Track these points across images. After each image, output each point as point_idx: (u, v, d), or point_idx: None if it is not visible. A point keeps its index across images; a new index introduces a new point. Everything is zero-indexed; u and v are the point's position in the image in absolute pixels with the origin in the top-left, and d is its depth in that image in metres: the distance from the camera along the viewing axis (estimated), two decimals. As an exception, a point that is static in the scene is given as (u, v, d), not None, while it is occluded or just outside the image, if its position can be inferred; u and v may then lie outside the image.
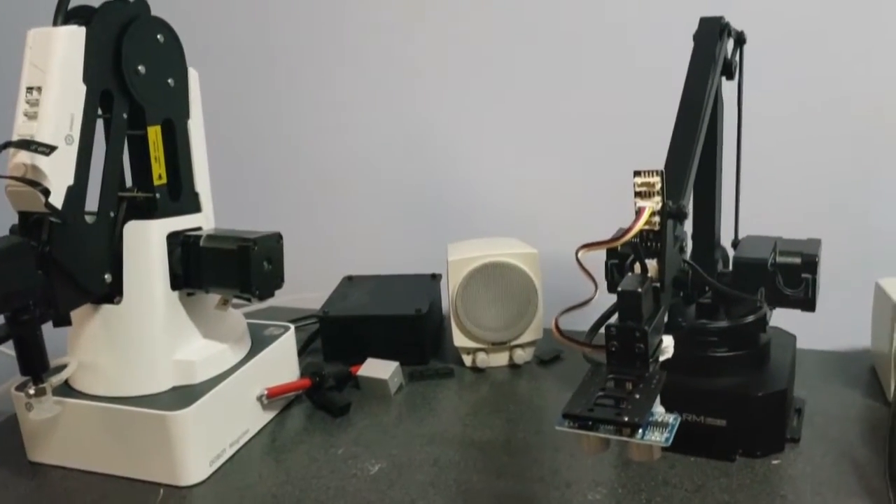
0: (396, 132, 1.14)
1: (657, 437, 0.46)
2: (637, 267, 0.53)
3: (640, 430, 0.46)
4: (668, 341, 0.52)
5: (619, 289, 0.50)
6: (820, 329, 0.81)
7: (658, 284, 0.53)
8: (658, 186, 0.52)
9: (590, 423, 0.47)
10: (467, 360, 0.92)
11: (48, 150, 0.62)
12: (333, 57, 1.15)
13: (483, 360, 0.90)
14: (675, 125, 0.63)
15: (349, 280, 1.07)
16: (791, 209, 0.96)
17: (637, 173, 0.52)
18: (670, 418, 0.48)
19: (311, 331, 1.03)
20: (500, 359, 0.92)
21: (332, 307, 0.97)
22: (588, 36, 1.01)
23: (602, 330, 0.61)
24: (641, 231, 0.53)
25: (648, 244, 0.54)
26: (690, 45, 0.69)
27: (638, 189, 0.52)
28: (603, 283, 0.79)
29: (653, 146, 0.98)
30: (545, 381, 0.89)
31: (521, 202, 1.09)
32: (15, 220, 0.67)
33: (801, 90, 0.94)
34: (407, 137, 1.14)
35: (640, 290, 0.49)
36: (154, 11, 0.73)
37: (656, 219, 0.53)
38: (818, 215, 0.95)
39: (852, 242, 0.94)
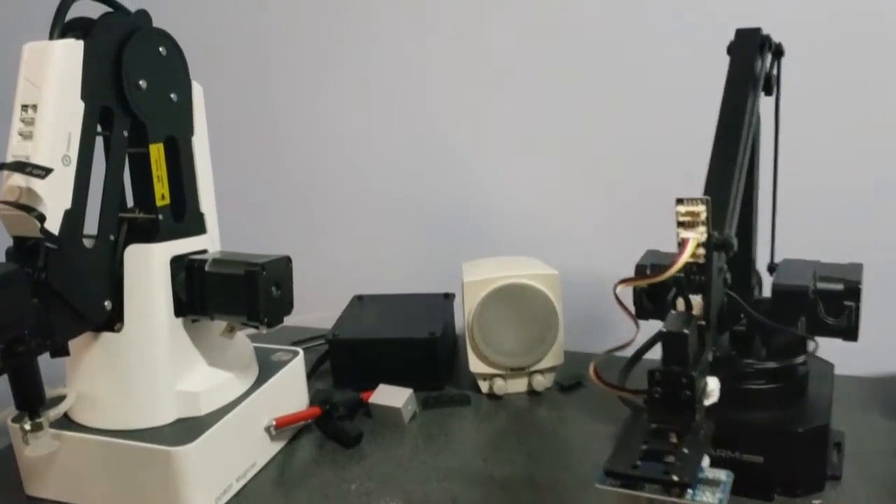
0: (407, 146, 1.10)
1: (709, 499, 0.42)
2: (680, 302, 0.49)
3: (691, 491, 0.42)
4: (713, 384, 0.48)
5: (664, 329, 0.46)
6: (857, 354, 0.77)
7: (703, 322, 0.49)
8: (703, 216, 0.48)
9: (634, 481, 0.43)
10: (483, 386, 0.88)
11: (44, 172, 0.58)
12: (342, 71, 1.11)
13: (501, 386, 0.86)
14: (713, 147, 0.59)
15: (359, 300, 1.03)
16: (827, 229, 0.91)
17: (680, 201, 0.48)
18: (722, 475, 0.44)
19: (318, 352, 0.99)
20: (518, 385, 0.88)
21: (341, 329, 0.93)
22: (609, 52, 0.97)
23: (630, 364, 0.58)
24: (685, 264, 0.49)
25: (692, 277, 0.49)
26: (716, 55, 0.65)
27: (681, 219, 0.48)
28: (630, 308, 0.75)
29: (676, 163, 0.95)
30: (567, 409, 0.85)
31: (538, 219, 1.05)
32: (9, 242, 0.63)
33: (836, 104, 0.89)
34: (418, 151, 1.10)
35: (686, 330, 0.45)
36: (155, 22, 0.70)
37: (701, 251, 0.49)
38: (855, 235, 0.91)
39: (891, 262, 0.90)
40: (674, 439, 0.45)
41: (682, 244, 0.48)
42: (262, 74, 1.16)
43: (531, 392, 0.88)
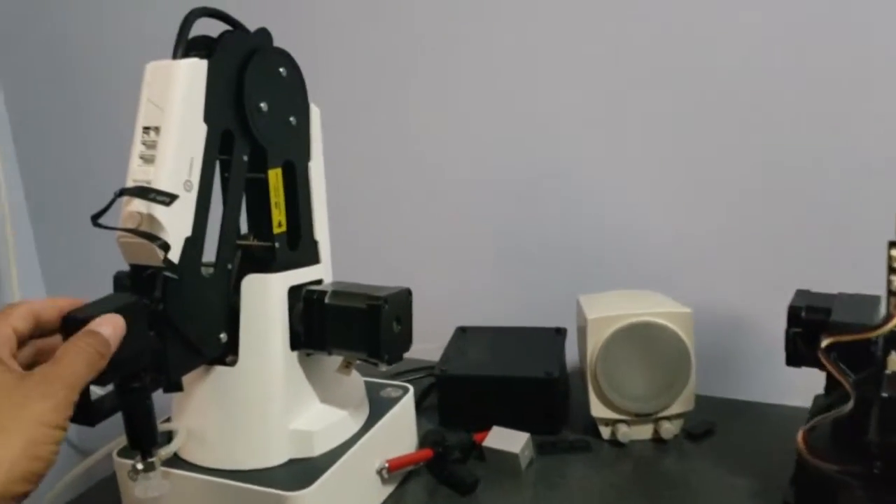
0: (515, 169, 1.05)
1: None
2: (892, 360, 0.42)
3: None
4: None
5: (885, 395, 0.39)
6: None
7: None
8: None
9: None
10: (605, 431, 0.82)
11: (168, 199, 0.55)
12: (451, 94, 1.06)
13: (624, 433, 0.80)
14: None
15: (462, 331, 0.98)
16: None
17: (894, 245, 0.41)
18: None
19: (421, 385, 0.94)
20: (643, 432, 0.81)
21: (449, 364, 0.88)
22: (750, 69, 0.90)
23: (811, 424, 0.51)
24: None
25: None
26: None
27: None
28: (780, 353, 0.68)
29: (834, 192, 0.88)
30: (697, 459, 0.78)
31: (660, 249, 0.98)
32: (119, 262, 0.60)
33: None
34: (527, 175, 1.04)
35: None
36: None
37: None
38: None
39: None
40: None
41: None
42: (368, 97, 1.12)
43: (657, 439, 0.81)
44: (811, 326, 0.64)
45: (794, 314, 0.66)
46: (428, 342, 0.99)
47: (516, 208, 1.06)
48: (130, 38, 1.25)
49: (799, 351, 0.66)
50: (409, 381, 0.96)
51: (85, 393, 0.54)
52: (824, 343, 0.46)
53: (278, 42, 0.67)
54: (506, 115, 1.03)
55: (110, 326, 0.50)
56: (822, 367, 0.57)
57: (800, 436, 0.46)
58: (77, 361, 0.47)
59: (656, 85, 0.94)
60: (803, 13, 0.85)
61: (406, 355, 0.99)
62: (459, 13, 1.02)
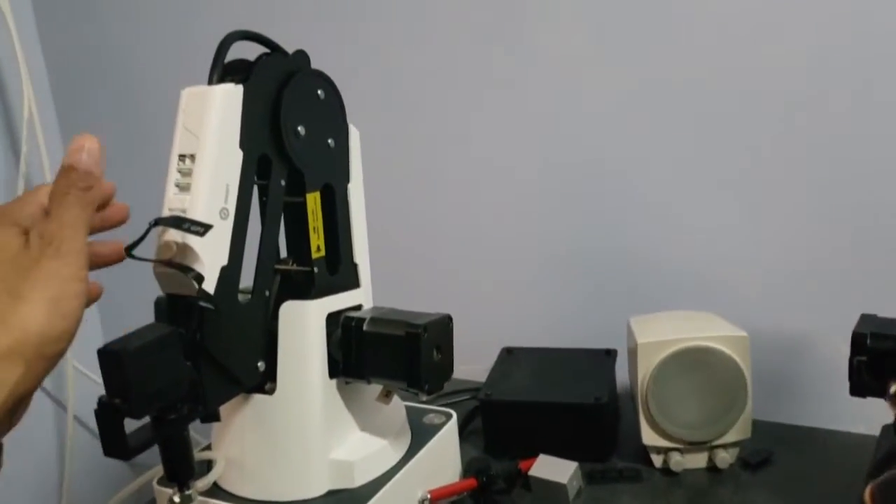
0: (564, 185, 1.03)
1: None
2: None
3: None
4: None
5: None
6: None
7: None
8: None
9: None
10: (657, 460, 0.78)
11: (202, 229, 0.54)
12: (497, 110, 1.04)
13: (677, 462, 0.77)
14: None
15: (508, 353, 0.96)
16: None
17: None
18: None
19: (464, 407, 0.92)
20: (697, 460, 0.78)
21: (493, 388, 0.85)
22: (807, 93, 0.86)
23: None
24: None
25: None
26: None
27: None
28: (842, 377, 0.65)
29: (879, 207, 0.84)
30: (754, 490, 0.75)
31: (713, 268, 0.94)
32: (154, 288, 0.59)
33: None
34: (576, 190, 1.02)
35: None
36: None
37: None
38: None
39: None
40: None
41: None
42: (408, 113, 1.11)
43: (712, 468, 0.78)
44: (877, 355, 0.61)
45: (858, 341, 0.62)
46: (473, 363, 0.97)
47: (567, 225, 1.03)
48: (171, 67, 1.26)
49: (864, 380, 0.62)
50: (453, 404, 0.95)
51: (118, 426, 0.53)
52: (893, 389, 0.42)
53: (317, 64, 0.66)
54: (556, 129, 1.01)
55: (83, 152, 0.46)
56: (891, 403, 0.54)
57: (867, 493, 0.42)
58: (68, 206, 0.45)
59: (720, 101, 0.90)
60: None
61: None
62: (504, 15, 1.00)
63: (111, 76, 1.35)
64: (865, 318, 0.65)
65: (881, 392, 0.62)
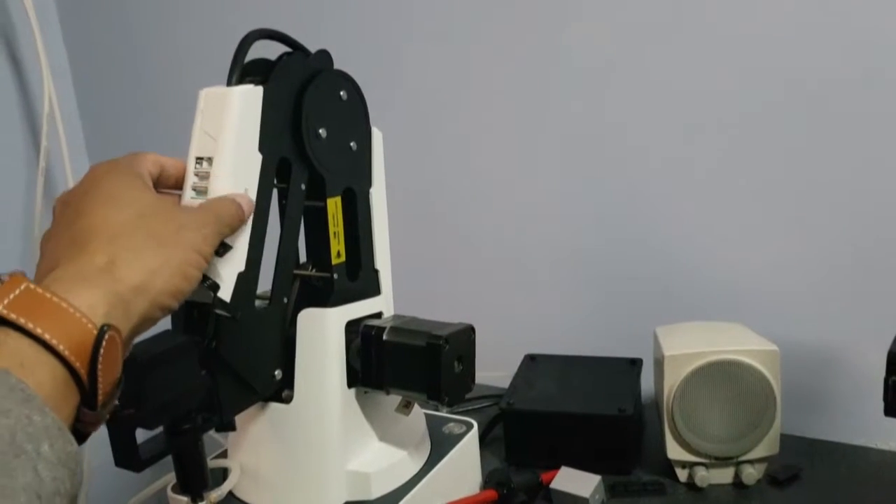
0: (588, 191, 1.00)
1: None
2: None
3: None
4: None
5: None
6: None
7: None
8: None
9: None
10: (682, 474, 0.76)
11: (222, 249, 0.53)
12: (522, 107, 1.02)
13: (703, 477, 0.74)
14: None
15: (531, 360, 0.94)
16: None
17: None
18: None
19: (485, 414, 0.91)
20: (723, 476, 0.76)
21: (516, 397, 0.84)
22: (840, 98, 0.83)
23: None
24: None
25: None
26: None
27: None
28: (878, 402, 0.62)
29: None
30: (782, 507, 0.72)
31: (743, 278, 0.92)
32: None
33: None
34: (600, 197, 0.99)
35: None
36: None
37: None
38: None
39: None
40: None
41: None
42: (433, 117, 1.09)
43: (738, 484, 0.76)
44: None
45: (894, 361, 0.60)
46: (496, 369, 0.95)
47: (593, 230, 1.00)
48: (194, 65, 1.25)
49: (900, 401, 0.60)
50: (475, 410, 0.93)
51: (130, 436, 0.52)
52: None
53: (340, 64, 0.64)
54: (582, 138, 0.99)
55: (245, 202, 0.54)
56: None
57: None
58: (228, 206, 0.52)
59: (751, 107, 0.87)
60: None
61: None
62: (527, 15, 0.98)
63: (134, 73, 1.34)
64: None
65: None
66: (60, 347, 0.37)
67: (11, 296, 0.37)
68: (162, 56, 1.30)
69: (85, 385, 0.38)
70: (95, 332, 0.39)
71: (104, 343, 0.38)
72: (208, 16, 1.22)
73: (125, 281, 0.42)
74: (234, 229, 0.53)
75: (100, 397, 0.39)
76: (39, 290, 0.38)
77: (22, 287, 0.38)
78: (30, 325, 0.37)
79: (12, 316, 0.37)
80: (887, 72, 0.80)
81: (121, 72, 1.35)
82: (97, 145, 1.40)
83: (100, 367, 0.38)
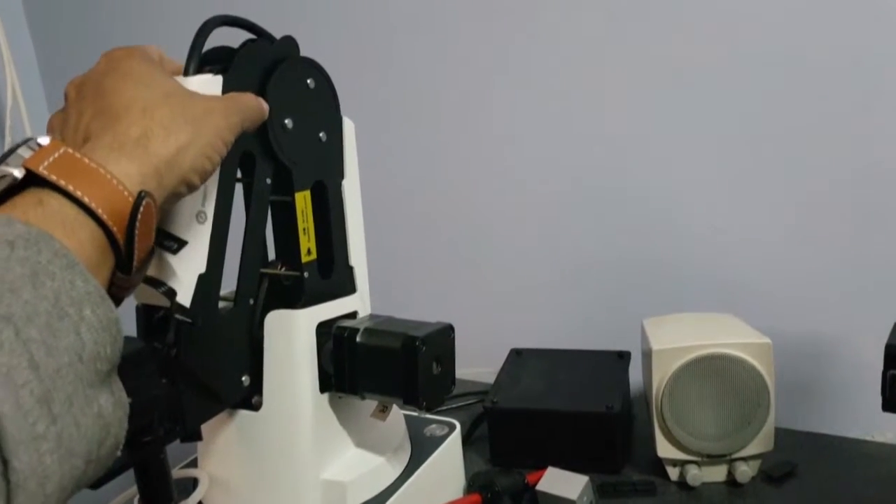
0: (573, 181, 0.97)
1: None
2: None
3: None
4: None
5: None
6: None
7: None
8: None
9: None
10: (673, 473, 0.74)
11: (176, 245, 0.49)
12: (506, 98, 0.99)
13: (695, 475, 0.72)
14: None
15: (517, 354, 0.91)
16: None
17: None
18: None
19: (470, 412, 0.88)
20: (716, 474, 0.73)
21: (501, 395, 0.81)
22: (840, 87, 0.80)
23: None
24: None
25: None
26: None
27: None
28: (873, 394, 0.60)
29: None
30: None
31: (734, 268, 0.89)
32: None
33: None
34: (594, 180, 0.96)
35: None
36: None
37: None
38: None
39: None
40: None
41: None
42: (409, 106, 1.06)
43: (731, 482, 0.73)
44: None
45: (893, 354, 0.57)
46: (480, 365, 0.92)
47: (579, 221, 0.98)
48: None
49: (898, 396, 0.57)
50: (459, 408, 0.90)
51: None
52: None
53: (309, 51, 0.61)
54: (567, 130, 0.96)
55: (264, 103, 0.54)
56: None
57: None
58: (251, 100, 0.52)
59: (740, 100, 0.85)
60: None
61: (458, 377, 0.93)
62: (526, 11, 0.95)
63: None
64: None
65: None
66: (99, 211, 0.38)
67: (52, 158, 0.38)
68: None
69: (122, 250, 0.40)
70: (132, 199, 0.39)
71: (141, 209, 0.40)
72: (181, 4, 1.18)
73: (159, 154, 0.43)
74: (255, 124, 0.53)
75: (135, 263, 0.40)
76: (78, 155, 0.39)
77: (61, 151, 0.39)
78: (70, 188, 0.37)
79: (52, 177, 0.37)
80: (887, 69, 0.77)
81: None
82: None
83: (137, 232, 0.39)
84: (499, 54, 0.97)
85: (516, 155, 0.99)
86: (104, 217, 0.38)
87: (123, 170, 0.40)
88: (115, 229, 0.39)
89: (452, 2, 0.98)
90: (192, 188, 0.46)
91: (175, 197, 0.45)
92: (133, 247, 0.40)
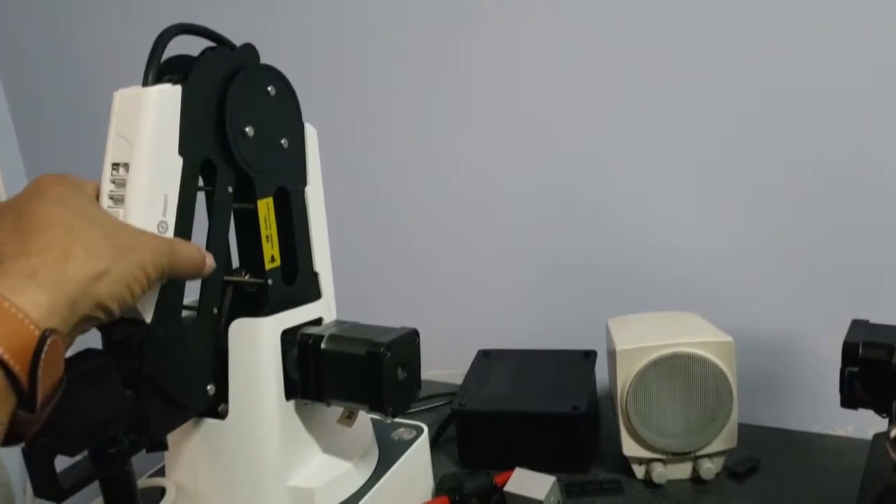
0: (539, 176, 0.98)
1: None
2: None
3: None
4: None
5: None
6: None
7: None
8: None
9: None
10: (639, 471, 0.75)
11: None
12: (468, 97, 0.99)
13: (660, 473, 0.73)
14: None
15: (485, 356, 0.91)
16: None
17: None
18: None
19: (438, 413, 0.88)
20: (680, 471, 0.74)
21: (468, 397, 0.81)
22: (792, 86, 0.82)
23: None
24: None
25: None
26: None
27: None
28: (830, 379, 0.61)
29: (870, 205, 0.79)
30: (741, 499, 0.71)
31: (695, 267, 0.90)
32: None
33: None
34: (556, 183, 0.97)
35: None
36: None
37: None
38: None
39: None
40: None
41: None
42: (370, 102, 1.05)
43: (696, 479, 0.74)
44: (870, 366, 0.57)
45: (850, 351, 0.58)
46: (448, 367, 0.93)
47: (543, 221, 0.98)
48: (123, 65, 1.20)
49: (856, 393, 0.58)
50: (428, 410, 0.91)
51: (48, 465, 0.48)
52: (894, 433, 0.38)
53: (270, 59, 0.60)
54: (531, 129, 0.96)
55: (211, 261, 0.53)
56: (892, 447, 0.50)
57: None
58: (194, 253, 0.51)
59: (697, 99, 0.86)
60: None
61: (426, 378, 0.93)
62: (485, 26, 0.95)
63: (65, 73, 1.28)
64: (857, 325, 0.61)
65: (875, 404, 0.58)
66: (0, 351, 0.36)
67: None
68: (91, 59, 1.25)
69: (24, 389, 0.37)
70: (38, 333, 0.38)
71: (46, 348, 0.37)
72: (144, 11, 1.17)
73: (76, 278, 0.41)
74: (190, 276, 0.52)
75: (39, 400, 0.38)
76: None
77: None
78: None
79: None
80: (841, 62, 0.79)
81: (53, 74, 1.30)
82: (33, 151, 1.35)
83: (40, 371, 0.37)
84: (465, 61, 0.97)
85: (482, 160, 1.00)
86: (5, 357, 0.36)
87: (32, 300, 0.38)
88: (16, 369, 0.36)
89: (421, 8, 0.98)
90: (109, 315, 0.44)
91: (92, 321, 0.44)
92: (36, 385, 0.37)
